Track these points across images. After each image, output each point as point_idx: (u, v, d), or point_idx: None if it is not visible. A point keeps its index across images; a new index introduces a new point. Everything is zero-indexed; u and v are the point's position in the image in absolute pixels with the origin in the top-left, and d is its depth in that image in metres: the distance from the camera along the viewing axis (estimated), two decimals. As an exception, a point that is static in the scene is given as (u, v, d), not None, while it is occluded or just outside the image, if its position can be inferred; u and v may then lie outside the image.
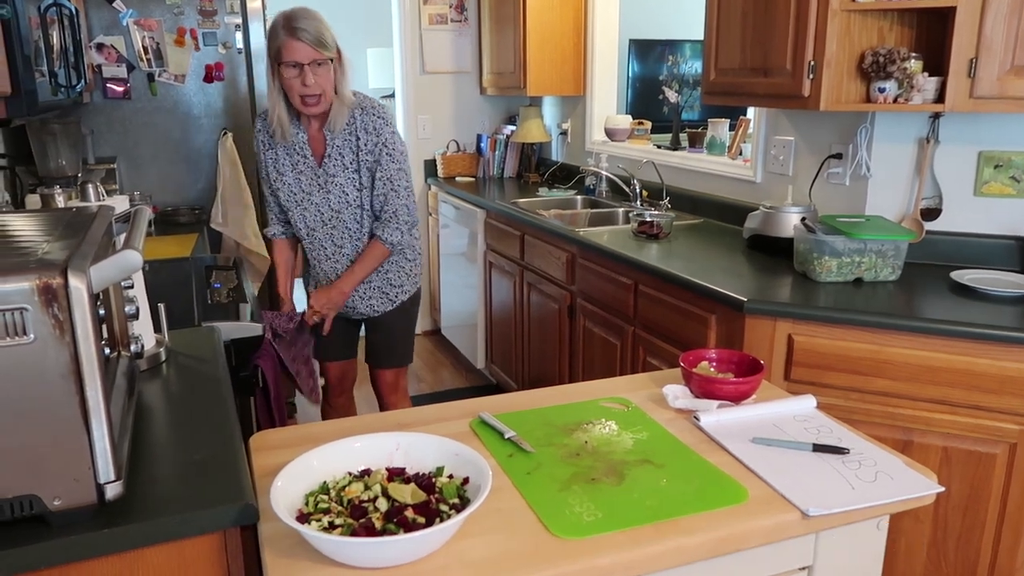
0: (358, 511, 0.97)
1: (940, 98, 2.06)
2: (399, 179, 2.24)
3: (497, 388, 3.86)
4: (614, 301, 2.64)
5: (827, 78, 2.15)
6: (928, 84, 2.08)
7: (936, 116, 2.27)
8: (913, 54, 2.11)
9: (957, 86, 2.00)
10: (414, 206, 2.32)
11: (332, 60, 2.08)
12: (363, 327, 2.49)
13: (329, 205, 2.24)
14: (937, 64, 2.09)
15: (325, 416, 2.67)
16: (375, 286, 2.36)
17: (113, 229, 1.29)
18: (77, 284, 0.91)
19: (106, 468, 0.97)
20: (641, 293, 2.48)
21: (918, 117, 2.30)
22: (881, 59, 2.11)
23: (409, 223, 2.29)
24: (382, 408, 2.64)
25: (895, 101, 2.13)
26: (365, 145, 2.18)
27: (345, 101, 2.14)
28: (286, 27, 2.04)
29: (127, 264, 0.95)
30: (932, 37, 2.16)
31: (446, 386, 4.03)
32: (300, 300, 2.45)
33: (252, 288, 3.38)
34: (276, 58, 2.07)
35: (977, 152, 2.27)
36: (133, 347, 1.38)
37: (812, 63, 2.15)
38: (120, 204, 1.45)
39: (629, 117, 3.91)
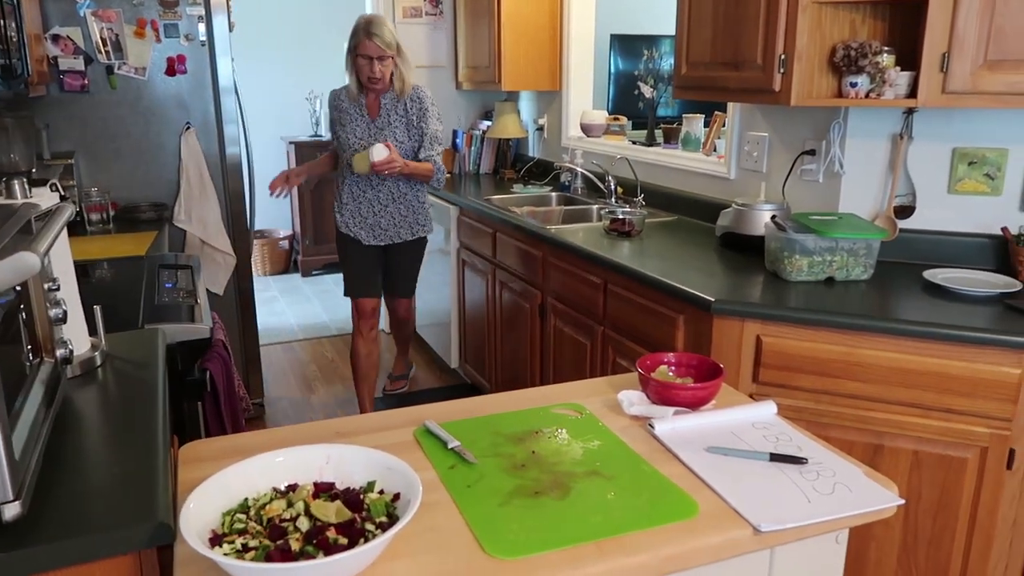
0: (277, 532, 0.90)
1: (913, 93, 2.01)
2: (438, 136, 3.10)
3: (471, 388, 3.80)
4: (584, 300, 2.58)
5: (798, 72, 2.09)
6: (900, 79, 2.04)
7: (910, 112, 2.22)
8: (885, 48, 2.06)
9: (929, 81, 1.95)
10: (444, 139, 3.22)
11: (393, 56, 2.88)
12: (385, 261, 3.25)
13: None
14: (910, 58, 2.04)
15: (354, 347, 3.30)
16: (408, 222, 3.17)
17: (32, 227, 1.21)
18: (-35, 288, 0.84)
19: (3, 487, 0.89)
20: (611, 292, 2.43)
21: (892, 113, 2.25)
22: (853, 53, 2.06)
23: (443, 172, 3.12)
24: (396, 327, 3.72)
25: (867, 96, 2.08)
26: (411, 110, 3.01)
27: (405, 82, 2.96)
28: (364, 29, 2.85)
29: (22, 267, 0.88)
30: (905, 31, 2.12)
31: (420, 386, 3.96)
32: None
33: (219, 287, 3.32)
34: (354, 50, 2.87)
35: (951, 149, 2.23)
36: (61, 352, 1.31)
37: (783, 57, 2.10)
38: (47, 201, 1.37)
39: (605, 112, 3.85)
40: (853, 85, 2.08)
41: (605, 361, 2.49)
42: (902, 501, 1.08)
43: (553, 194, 3.74)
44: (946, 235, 2.28)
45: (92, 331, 1.52)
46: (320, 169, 3.36)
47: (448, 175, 4.40)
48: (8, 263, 0.88)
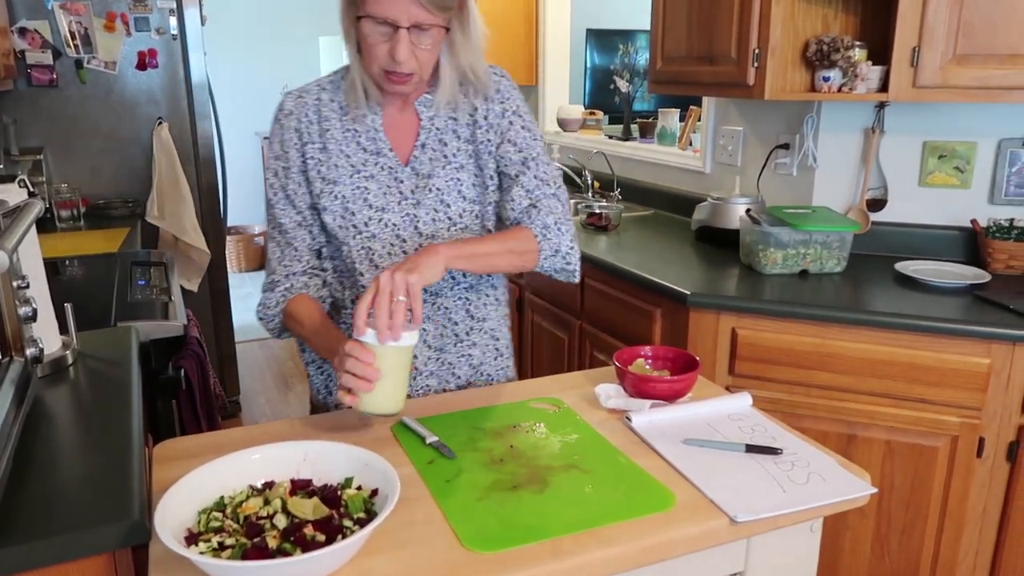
0: (254, 529, 0.90)
1: (884, 87, 2.04)
2: (547, 164, 1.42)
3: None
4: (561, 295, 2.59)
5: (772, 66, 2.11)
6: (872, 73, 2.06)
7: (881, 106, 2.25)
8: (857, 42, 2.08)
9: (900, 75, 1.97)
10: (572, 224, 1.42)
11: (444, 27, 1.26)
12: None
13: (417, 226, 1.37)
14: (881, 53, 2.07)
15: None
16: (480, 373, 1.50)
17: (0, 224, 1.19)
18: (-69, 286, 0.82)
19: (-28, 488, 0.88)
20: (588, 287, 2.43)
21: (864, 107, 2.28)
22: (825, 47, 2.08)
23: (574, 239, 1.40)
24: None
25: (839, 90, 2.11)
26: (486, 118, 1.39)
27: (456, 74, 1.34)
28: None
29: (-10, 264, 0.86)
30: (876, 25, 2.14)
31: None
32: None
33: (193, 284, 3.28)
34: (358, 2, 1.24)
35: (922, 142, 2.26)
36: (30, 351, 1.29)
37: (757, 51, 2.12)
38: (15, 197, 1.35)
39: (581, 107, 3.86)
40: (826, 79, 2.11)
41: (583, 355, 2.50)
42: (875, 490, 1.09)
43: (530, 189, 3.74)
44: (917, 227, 2.31)
45: (63, 329, 1.50)
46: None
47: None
48: (-25, 260, 0.86)
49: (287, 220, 1.38)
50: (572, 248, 1.40)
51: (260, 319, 1.41)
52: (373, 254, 1.37)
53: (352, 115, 1.36)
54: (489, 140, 1.39)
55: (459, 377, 1.47)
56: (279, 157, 1.37)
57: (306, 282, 1.39)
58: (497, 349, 1.51)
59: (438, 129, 1.39)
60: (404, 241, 1.37)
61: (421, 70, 1.27)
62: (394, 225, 1.37)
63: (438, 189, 1.37)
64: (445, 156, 1.38)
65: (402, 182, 1.37)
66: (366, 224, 1.36)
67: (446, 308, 1.43)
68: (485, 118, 1.39)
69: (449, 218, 1.38)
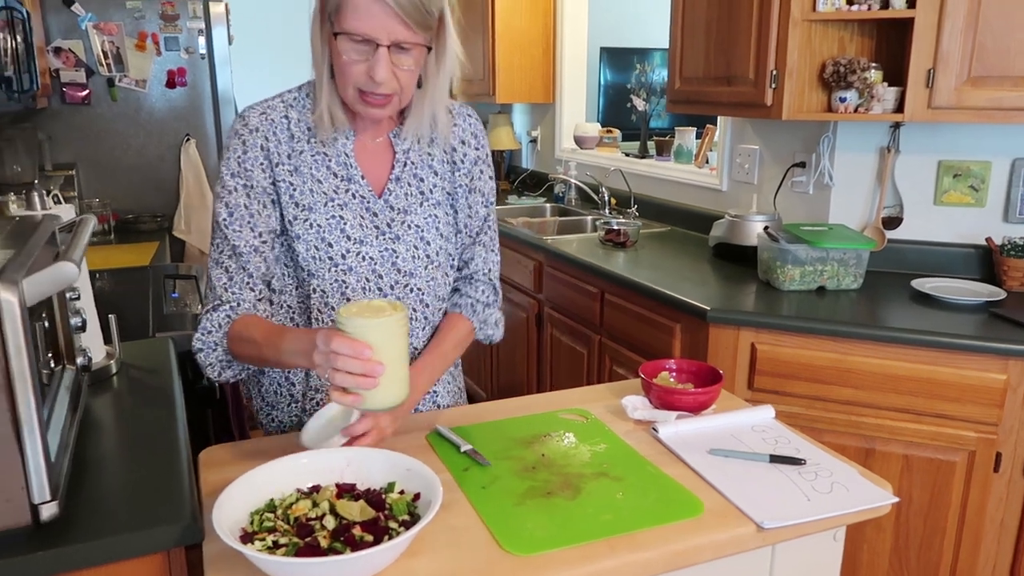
0: (304, 529, 0.94)
1: (900, 108, 2.08)
2: (494, 226, 1.47)
3: (467, 397, 3.83)
4: (581, 310, 2.63)
5: (789, 87, 2.16)
6: (888, 94, 2.11)
7: (896, 126, 2.29)
8: (873, 64, 2.13)
9: (916, 96, 2.02)
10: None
11: (428, 45, 1.19)
12: None
13: (395, 262, 1.33)
14: (897, 74, 2.12)
15: None
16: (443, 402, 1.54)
17: (57, 239, 1.25)
18: (8, 297, 0.88)
19: (41, 488, 0.93)
20: (607, 302, 2.48)
21: (879, 127, 2.33)
22: (842, 69, 2.13)
23: (500, 312, 1.50)
24: None
25: (856, 111, 2.15)
26: (463, 161, 1.38)
27: (436, 98, 1.28)
28: None
29: (62, 277, 0.92)
30: (892, 48, 2.19)
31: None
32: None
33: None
34: (333, 15, 1.18)
35: (937, 161, 2.30)
36: (80, 360, 1.35)
37: (774, 72, 2.17)
38: (66, 213, 1.41)
39: (598, 125, 3.92)
40: (842, 100, 2.15)
41: (602, 369, 2.54)
42: (896, 499, 1.13)
43: (547, 205, 3.80)
44: (933, 245, 2.34)
45: (107, 340, 1.56)
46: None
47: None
48: (48, 273, 0.92)
49: (242, 243, 1.25)
50: (499, 320, 1.49)
51: (199, 351, 1.27)
52: (347, 288, 1.30)
53: (322, 137, 1.28)
54: (464, 185, 1.39)
55: (416, 407, 1.42)
56: (238, 175, 1.25)
57: (255, 305, 1.26)
58: (452, 375, 1.56)
59: (413, 163, 1.34)
60: (380, 277, 1.32)
61: (402, 92, 1.20)
62: (371, 259, 1.30)
63: (417, 226, 1.34)
64: (422, 192, 1.35)
65: (376, 215, 1.31)
66: (343, 256, 1.29)
67: (413, 347, 1.37)
68: (462, 161, 1.38)
69: (428, 256, 1.35)
